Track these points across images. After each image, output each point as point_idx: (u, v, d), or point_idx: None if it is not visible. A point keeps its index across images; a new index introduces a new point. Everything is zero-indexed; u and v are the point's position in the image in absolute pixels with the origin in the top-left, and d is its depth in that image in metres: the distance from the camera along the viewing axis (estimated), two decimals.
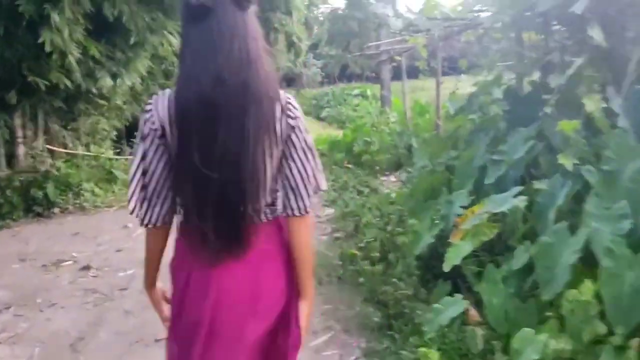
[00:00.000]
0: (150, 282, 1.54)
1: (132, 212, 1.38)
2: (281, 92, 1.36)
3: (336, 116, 18.40)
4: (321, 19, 13.87)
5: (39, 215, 6.32)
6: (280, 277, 1.45)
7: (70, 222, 6.10)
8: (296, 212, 1.40)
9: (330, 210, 5.83)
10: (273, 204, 1.42)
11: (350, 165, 7.99)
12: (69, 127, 7.71)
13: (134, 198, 1.36)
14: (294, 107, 1.38)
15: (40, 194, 6.33)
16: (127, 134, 9.98)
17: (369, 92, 21.86)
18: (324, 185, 1.47)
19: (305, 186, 1.40)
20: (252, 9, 1.33)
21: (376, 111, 12.08)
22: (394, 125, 9.54)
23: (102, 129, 8.23)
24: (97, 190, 6.99)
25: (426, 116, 9.23)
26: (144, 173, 1.35)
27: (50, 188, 6.35)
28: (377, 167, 7.60)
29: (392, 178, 7.25)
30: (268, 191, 1.38)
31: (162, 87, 10.79)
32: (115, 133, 8.96)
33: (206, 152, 1.25)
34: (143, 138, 1.33)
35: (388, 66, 11.36)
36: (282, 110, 1.34)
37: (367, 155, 7.84)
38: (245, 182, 1.28)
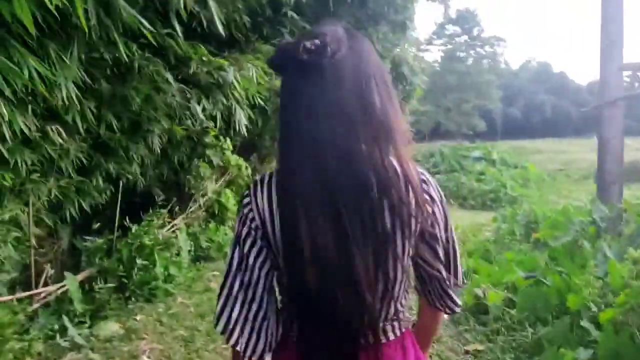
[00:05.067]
0: None
1: (228, 340, 1.03)
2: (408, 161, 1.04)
3: (453, 188, 12.75)
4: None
5: None
6: None
7: None
8: (446, 310, 1.20)
9: None
10: (397, 315, 1.12)
11: None
12: None
13: (233, 319, 1.03)
14: (431, 186, 1.09)
15: None
16: None
17: (495, 155, 16.15)
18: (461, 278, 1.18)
19: (451, 284, 1.15)
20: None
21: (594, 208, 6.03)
22: None
23: None
24: None
25: None
26: (246, 286, 1.03)
27: None
28: None
29: None
30: (395, 300, 1.09)
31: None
32: None
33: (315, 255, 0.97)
34: (239, 241, 1.05)
35: (619, 112, 5.64)
36: (415, 193, 1.03)
37: None
38: (362, 298, 0.99)
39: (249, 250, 1.03)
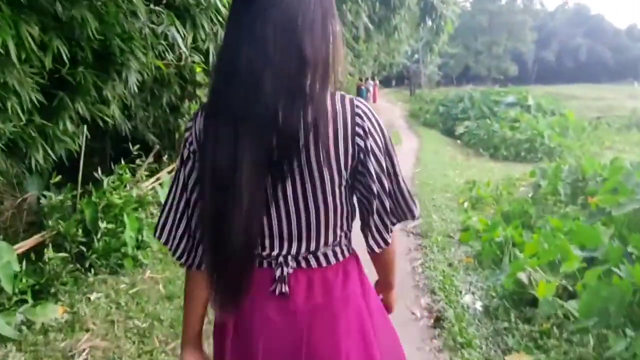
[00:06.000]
0: (186, 338, 1.16)
1: (166, 244, 1.12)
2: (344, 95, 1.04)
3: (483, 137, 11.63)
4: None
5: None
6: (335, 338, 1.08)
7: None
8: (375, 250, 1.15)
9: None
10: (337, 241, 1.11)
11: None
12: None
13: (173, 232, 1.10)
14: (367, 120, 1.03)
15: None
16: None
17: (530, 101, 14.76)
18: (416, 211, 1.13)
19: (386, 222, 1.11)
20: None
21: None
22: None
23: None
24: None
25: None
26: (187, 204, 1.08)
27: None
28: None
29: None
30: (330, 228, 1.08)
31: None
32: None
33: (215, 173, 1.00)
34: (183, 162, 1.08)
35: None
36: (346, 126, 1.01)
37: None
38: (243, 220, 0.99)
39: (189, 172, 1.07)
